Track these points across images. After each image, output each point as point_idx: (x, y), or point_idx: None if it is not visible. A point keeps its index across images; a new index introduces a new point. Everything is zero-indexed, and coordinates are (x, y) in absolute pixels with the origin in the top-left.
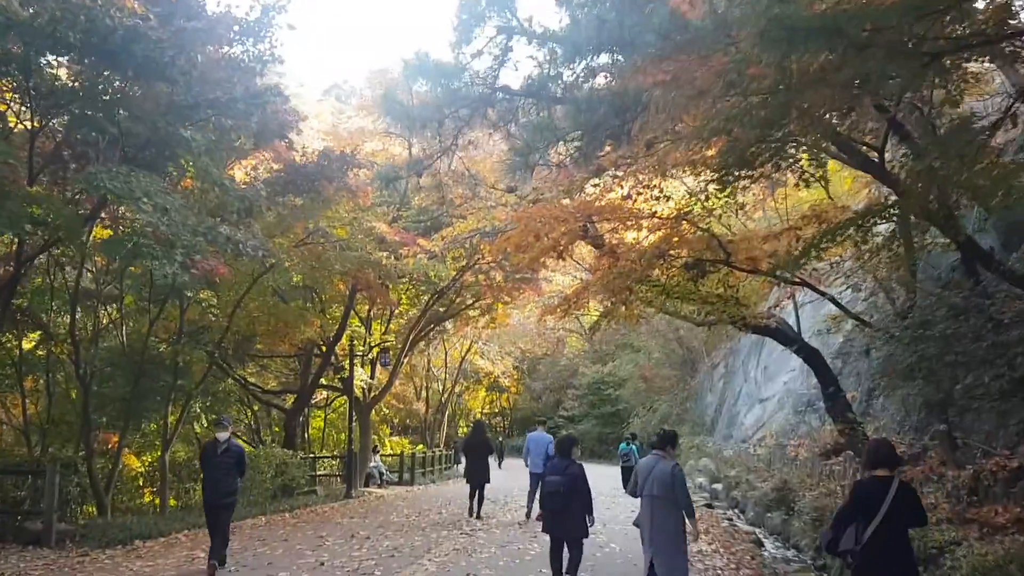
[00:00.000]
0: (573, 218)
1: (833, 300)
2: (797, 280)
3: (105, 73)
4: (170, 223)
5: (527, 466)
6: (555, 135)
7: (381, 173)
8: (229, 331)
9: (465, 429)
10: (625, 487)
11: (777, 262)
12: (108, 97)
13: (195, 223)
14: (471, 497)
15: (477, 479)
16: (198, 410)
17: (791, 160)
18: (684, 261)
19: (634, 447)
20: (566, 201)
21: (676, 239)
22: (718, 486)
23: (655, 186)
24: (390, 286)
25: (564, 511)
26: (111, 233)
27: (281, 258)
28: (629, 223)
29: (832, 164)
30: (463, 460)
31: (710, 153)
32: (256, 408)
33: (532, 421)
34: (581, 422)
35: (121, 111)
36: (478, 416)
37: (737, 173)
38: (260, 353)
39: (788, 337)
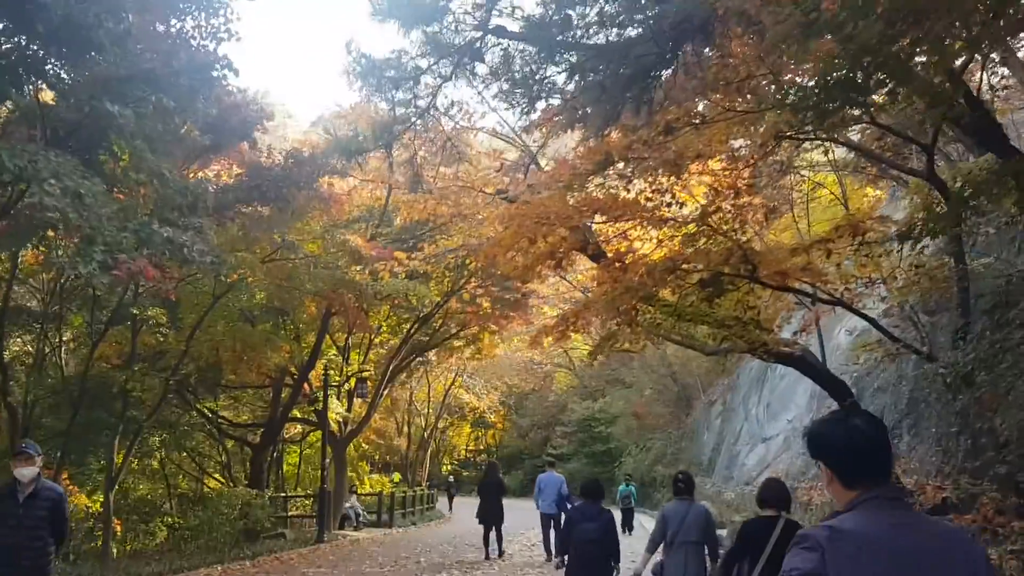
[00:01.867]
0: (578, 215)
1: (876, 325)
2: (832, 299)
3: (18, 40)
4: (86, 213)
5: (538, 507)
6: (569, 57)
7: (342, 144)
8: (188, 356)
9: (448, 467)
10: (624, 530)
11: (811, 277)
12: (20, 63)
13: (115, 213)
14: (485, 539)
15: (491, 520)
16: (157, 444)
17: (915, 83)
18: (700, 277)
19: (632, 488)
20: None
21: (703, 240)
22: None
23: (667, 190)
24: (368, 309)
25: (599, 559)
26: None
27: (242, 273)
28: (645, 223)
29: (849, 182)
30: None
31: (737, 144)
32: (230, 444)
33: (518, 459)
34: (570, 460)
35: (38, 82)
36: (462, 453)
37: (843, 99)
38: (231, 384)
39: (813, 368)
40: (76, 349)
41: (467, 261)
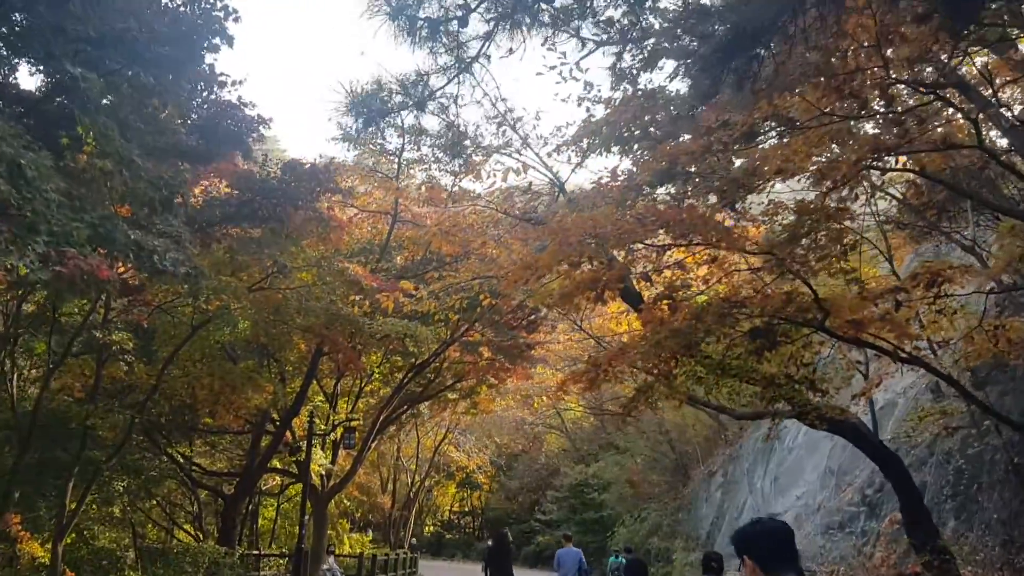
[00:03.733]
0: (641, 229)
1: (967, 394)
2: (909, 357)
3: None
4: (28, 192)
5: None
6: None
7: (360, 103)
8: (161, 393)
9: (431, 529)
10: None
11: (891, 330)
12: None
13: (67, 198)
14: None
15: None
16: (121, 490)
17: None
18: (752, 326)
19: (623, 561)
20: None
21: (768, 278)
22: None
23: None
24: (363, 350)
25: None
26: None
27: (225, 300)
28: (721, 246)
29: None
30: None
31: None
32: (204, 495)
33: (505, 523)
34: (560, 527)
35: None
36: (446, 514)
37: None
38: (208, 428)
39: (865, 439)
40: (40, 378)
41: (480, 297)
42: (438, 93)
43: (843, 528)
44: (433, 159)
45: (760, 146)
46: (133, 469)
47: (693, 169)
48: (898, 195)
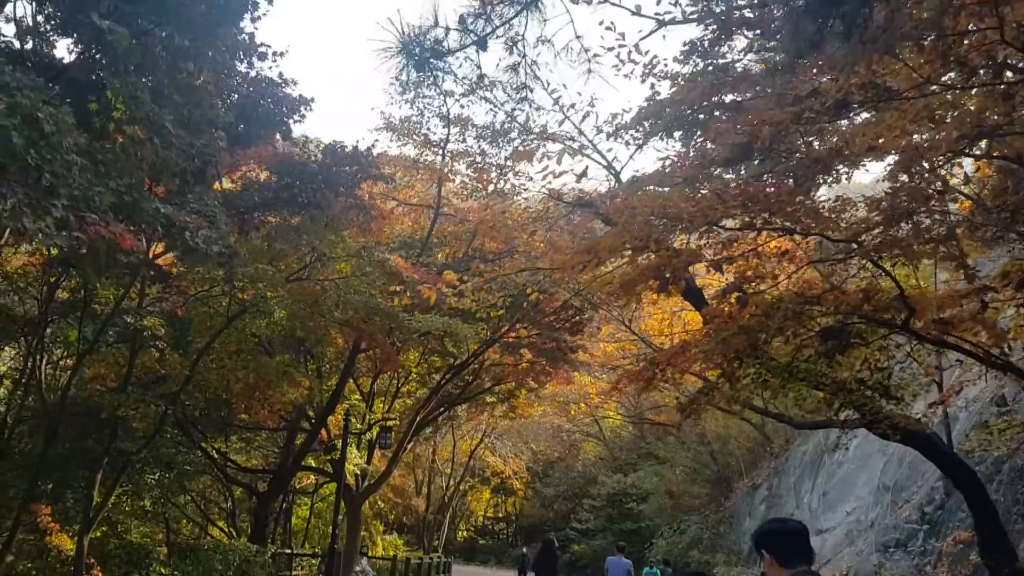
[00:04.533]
0: (721, 205)
1: None
2: (1003, 362)
3: None
4: (47, 151)
5: None
6: None
7: (409, 43)
8: (195, 386)
9: (465, 534)
10: None
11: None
12: None
13: (90, 161)
14: None
15: None
16: (153, 483)
17: None
18: (826, 325)
19: (657, 572)
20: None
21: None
22: None
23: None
24: (402, 347)
25: None
26: None
27: (262, 288)
28: (805, 226)
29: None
30: None
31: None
32: (238, 491)
33: (540, 531)
34: (596, 537)
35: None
36: (480, 519)
37: None
38: (243, 424)
39: (939, 451)
40: (56, 360)
41: (527, 291)
42: (500, 31)
43: (901, 546)
44: (479, 151)
45: (847, 122)
46: (165, 462)
47: (771, 146)
48: (970, 194)
